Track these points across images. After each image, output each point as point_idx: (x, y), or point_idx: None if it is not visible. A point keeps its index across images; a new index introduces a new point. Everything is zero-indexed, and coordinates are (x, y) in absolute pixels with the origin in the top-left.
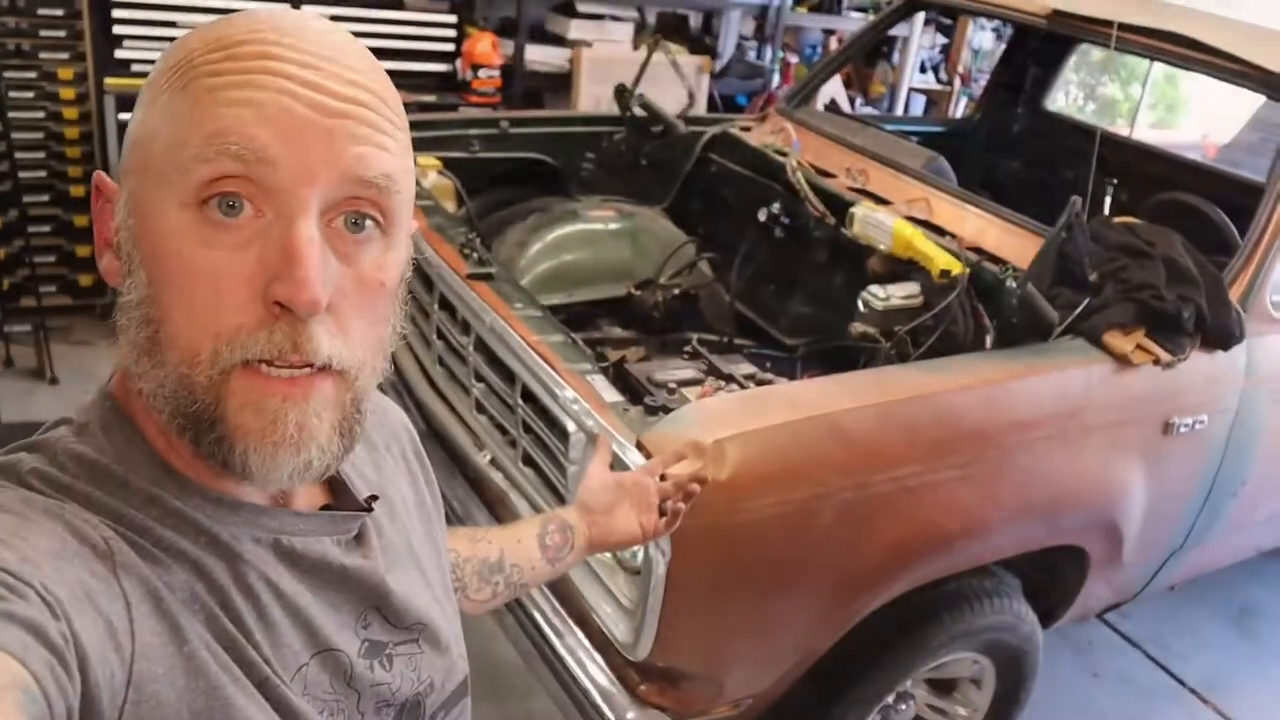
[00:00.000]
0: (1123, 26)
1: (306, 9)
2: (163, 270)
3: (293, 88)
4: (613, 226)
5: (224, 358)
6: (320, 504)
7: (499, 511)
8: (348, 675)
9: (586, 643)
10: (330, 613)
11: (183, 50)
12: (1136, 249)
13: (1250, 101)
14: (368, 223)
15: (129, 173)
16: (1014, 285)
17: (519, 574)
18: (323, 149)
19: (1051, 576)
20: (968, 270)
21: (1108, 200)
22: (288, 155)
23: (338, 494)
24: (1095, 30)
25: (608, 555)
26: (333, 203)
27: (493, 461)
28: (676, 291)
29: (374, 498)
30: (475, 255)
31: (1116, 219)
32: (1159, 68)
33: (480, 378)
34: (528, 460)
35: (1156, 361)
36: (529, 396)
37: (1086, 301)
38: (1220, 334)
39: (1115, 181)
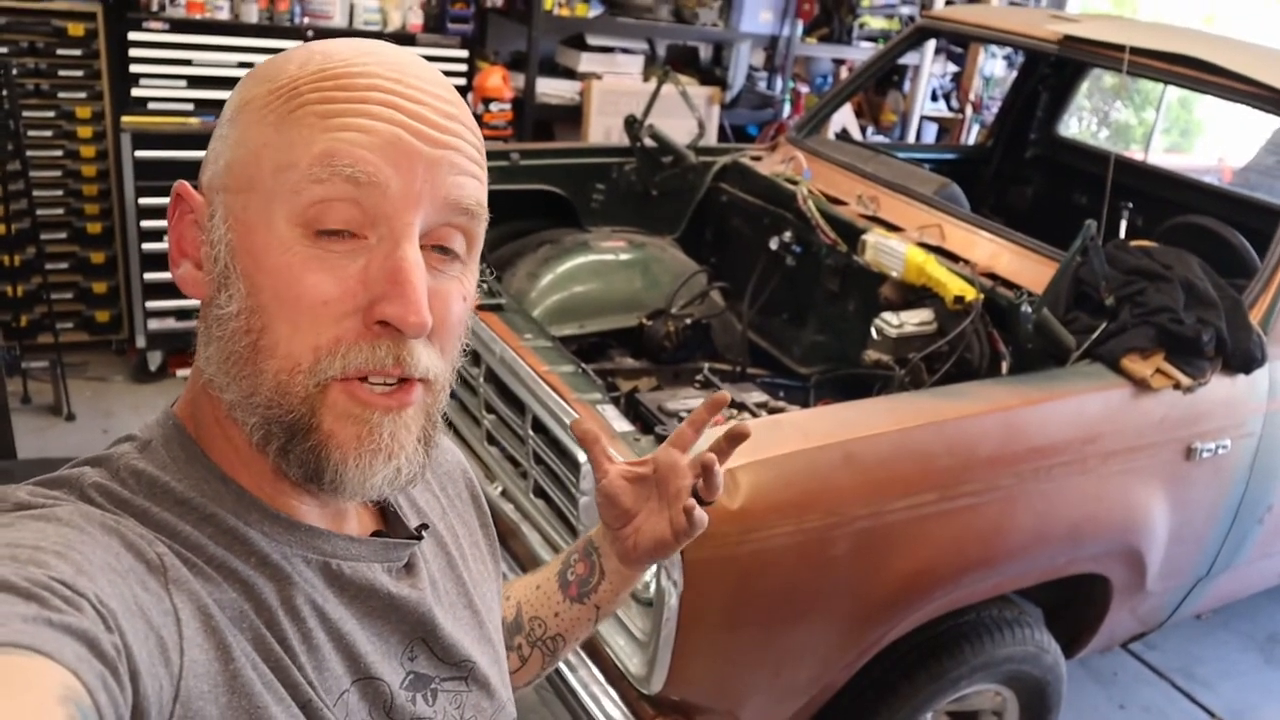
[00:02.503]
0: (1135, 51)
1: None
2: (269, 281)
3: (401, 118)
4: (624, 257)
5: (323, 369)
6: (371, 530)
7: (511, 544)
8: (387, 705)
9: (600, 676)
10: (375, 641)
11: (284, 76)
12: (1153, 272)
13: (1266, 124)
14: (455, 247)
15: (226, 190)
16: (1029, 310)
17: (541, 628)
18: (427, 176)
19: (1074, 605)
20: (981, 296)
21: (1123, 224)
22: (396, 180)
23: (389, 522)
24: (1107, 55)
25: None
26: (430, 228)
27: (504, 493)
28: (688, 321)
29: (424, 526)
30: (485, 286)
31: (1133, 243)
32: (1172, 91)
33: (491, 409)
34: (539, 491)
35: (1176, 385)
36: (540, 427)
37: (1104, 325)
38: (1241, 357)
39: (1130, 205)
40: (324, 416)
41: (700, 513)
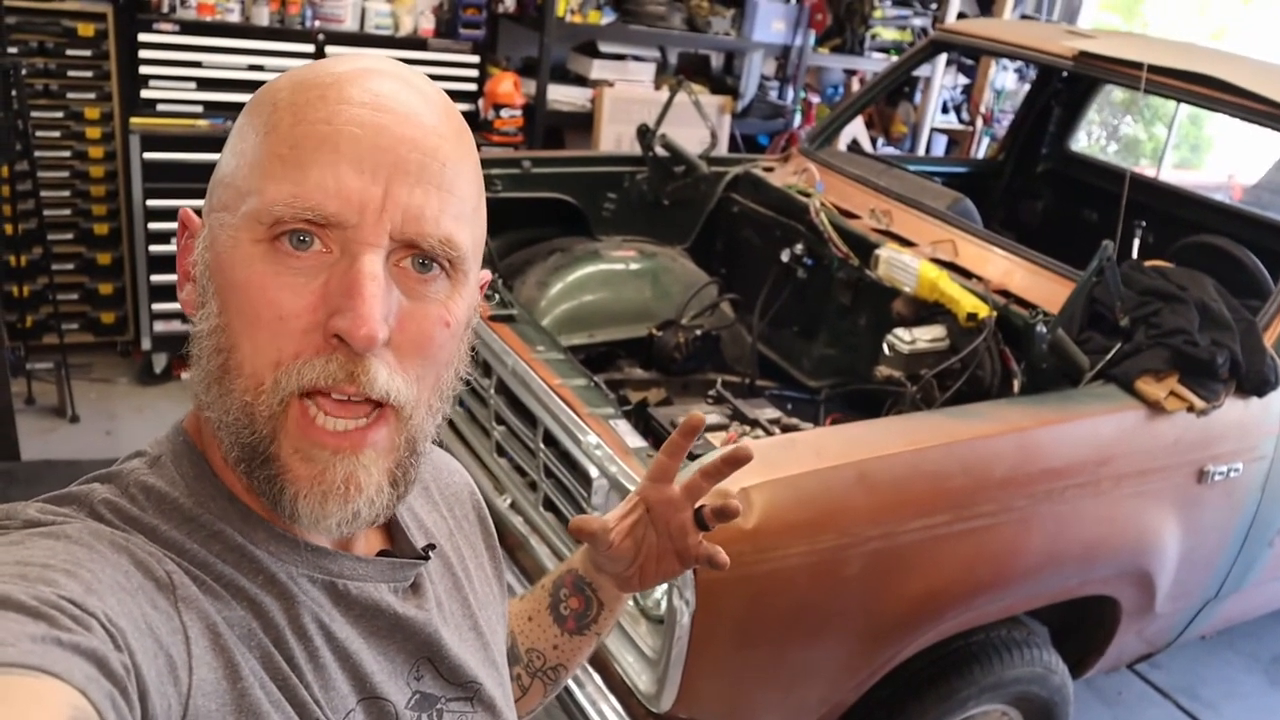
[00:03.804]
0: (1152, 69)
1: (332, 49)
2: (234, 297)
3: (370, 141)
4: (634, 267)
5: (283, 385)
6: (378, 550)
7: (519, 557)
8: None
9: (608, 692)
10: (381, 660)
11: (268, 95)
12: (1169, 293)
13: (1278, 142)
14: (435, 265)
15: (212, 210)
16: (1044, 330)
17: (540, 659)
18: (391, 205)
19: (1082, 626)
20: (994, 313)
21: (1136, 243)
22: (357, 216)
23: (396, 542)
24: (1124, 72)
25: (630, 604)
26: (400, 245)
27: (513, 505)
28: (698, 332)
29: (430, 547)
30: (497, 296)
31: (1147, 262)
32: (1183, 107)
33: (501, 420)
34: (549, 505)
35: (1190, 408)
36: (550, 440)
37: (1118, 346)
38: (1255, 380)
39: (1144, 224)
40: (282, 444)
41: (723, 556)
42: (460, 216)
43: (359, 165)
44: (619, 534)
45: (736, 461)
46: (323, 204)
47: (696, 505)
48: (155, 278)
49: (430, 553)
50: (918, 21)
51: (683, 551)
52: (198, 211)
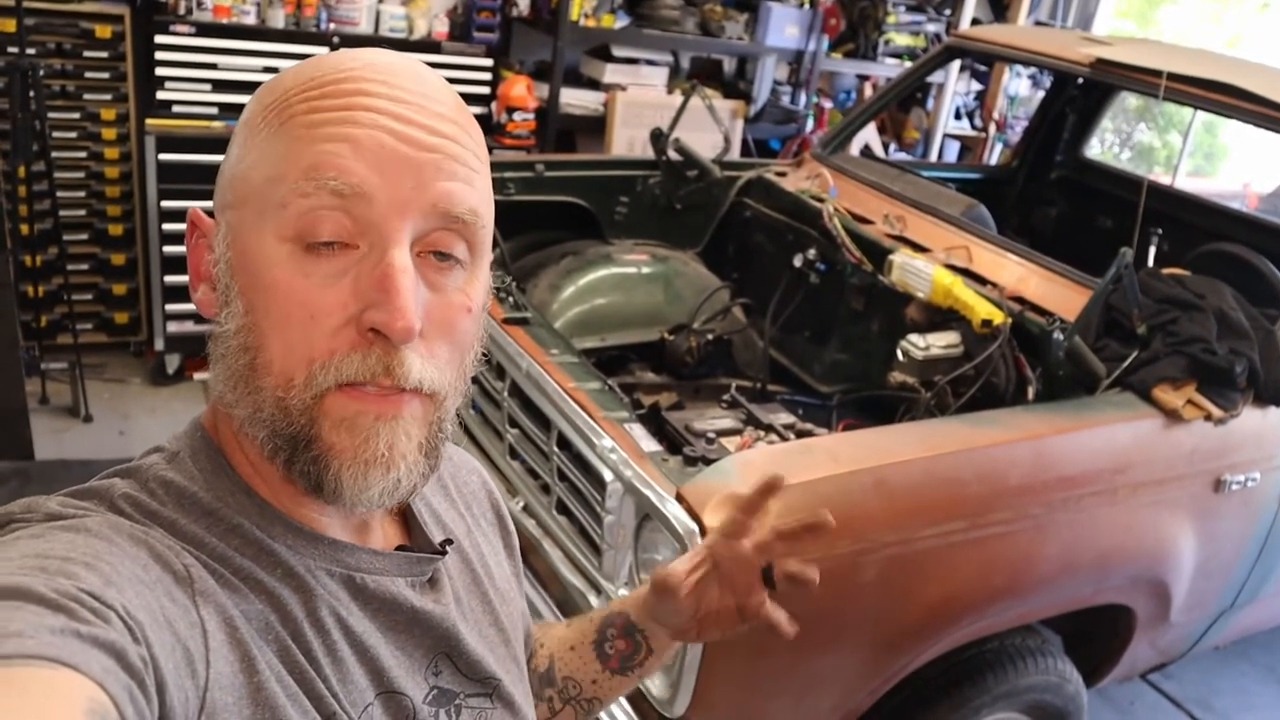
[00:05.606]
0: (1171, 76)
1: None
2: (261, 299)
3: (386, 123)
4: (646, 270)
5: (318, 381)
6: (396, 544)
7: (532, 559)
8: None
9: (620, 697)
10: (399, 655)
11: (278, 88)
12: (1186, 301)
13: None
14: (451, 256)
15: (227, 208)
16: (1061, 337)
17: (576, 689)
18: (414, 183)
19: (1096, 635)
20: (1009, 320)
21: (1151, 250)
22: (382, 189)
23: (413, 536)
24: (1142, 80)
25: None
26: (422, 234)
27: (526, 508)
28: (710, 337)
29: (448, 542)
30: (511, 299)
31: (1164, 270)
32: (1198, 115)
33: (514, 423)
34: (562, 508)
35: (1208, 417)
36: (564, 443)
37: (1135, 354)
38: (1273, 389)
39: (1160, 231)
40: (323, 425)
41: (788, 623)
42: (484, 192)
43: (379, 143)
44: (687, 588)
45: (816, 529)
46: (346, 171)
47: (765, 564)
48: (169, 278)
49: (448, 548)
50: (931, 27)
51: (745, 609)
52: (208, 212)
